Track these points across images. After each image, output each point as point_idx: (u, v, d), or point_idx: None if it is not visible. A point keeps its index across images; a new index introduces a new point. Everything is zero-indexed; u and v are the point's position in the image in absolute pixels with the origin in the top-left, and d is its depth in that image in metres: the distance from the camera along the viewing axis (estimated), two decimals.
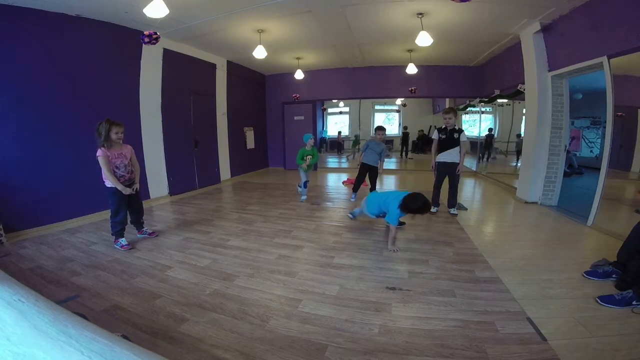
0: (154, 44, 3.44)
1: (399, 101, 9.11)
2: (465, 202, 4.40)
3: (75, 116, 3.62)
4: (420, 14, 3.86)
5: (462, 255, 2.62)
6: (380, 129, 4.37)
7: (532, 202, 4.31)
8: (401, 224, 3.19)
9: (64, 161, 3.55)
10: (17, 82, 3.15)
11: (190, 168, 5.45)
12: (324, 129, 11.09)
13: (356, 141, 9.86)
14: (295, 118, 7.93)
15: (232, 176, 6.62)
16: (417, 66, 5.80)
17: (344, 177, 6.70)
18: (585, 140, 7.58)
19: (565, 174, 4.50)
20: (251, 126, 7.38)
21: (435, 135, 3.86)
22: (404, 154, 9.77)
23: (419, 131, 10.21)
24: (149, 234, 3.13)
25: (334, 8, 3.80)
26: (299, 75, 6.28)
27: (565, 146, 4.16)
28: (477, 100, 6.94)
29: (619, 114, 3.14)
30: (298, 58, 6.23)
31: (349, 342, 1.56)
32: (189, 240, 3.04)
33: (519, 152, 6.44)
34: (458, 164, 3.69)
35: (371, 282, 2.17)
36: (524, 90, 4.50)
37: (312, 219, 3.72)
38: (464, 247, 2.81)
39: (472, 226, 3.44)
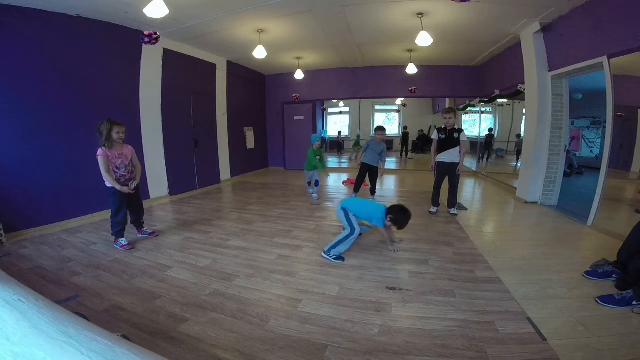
0: (154, 44, 3.45)
1: (399, 101, 9.11)
2: (465, 202, 4.40)
3: (75, 116, 3.62)
4: (420, 14, 3.86)
5: (462, 255, 2.62)
6: (380, 129, 4.37)
7: (532, 202, 4.31)
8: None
9: (64, 161, 3.55)
10: (17, 82, 3.15)
11: (190, 168, 5.45)
12: (324, 129, 11.09)
13: (357, 142, 9.86)
14: (295, 118, 7.93)
15: (232, 176, 6.62)
16: (417, 66, 5.80)
17: (344, 177, 6.70)
18: (585, 140, 7.58)
19: (565, 174, 4.50)
20: (251, 126, 7.38)
21: (435, 135, 3.85)
22: (404, 154, 9.77)
23: (419, 131, 10.21)
24: (149, 234, 3.13)
25: (334, 8, 3.80)
26: (299, 75, 6.28)
27: (565, 146, 4.16)
28: (477, 100, 6.94)
29: (619, 114, 3.14)
30: (298, 58, 6.23)
31: (349, 342, 1.56)
32: (189, 240, 3.04)
33: (519, 152, 6.44)
34: (458, 164, 3.68)
35: (371, 282, 2.17)
36: (524, 90, 4.50)
37: (312, 219, 3.72)
38: (464, 247, 2.81)
39: (472, 226, 3.44)
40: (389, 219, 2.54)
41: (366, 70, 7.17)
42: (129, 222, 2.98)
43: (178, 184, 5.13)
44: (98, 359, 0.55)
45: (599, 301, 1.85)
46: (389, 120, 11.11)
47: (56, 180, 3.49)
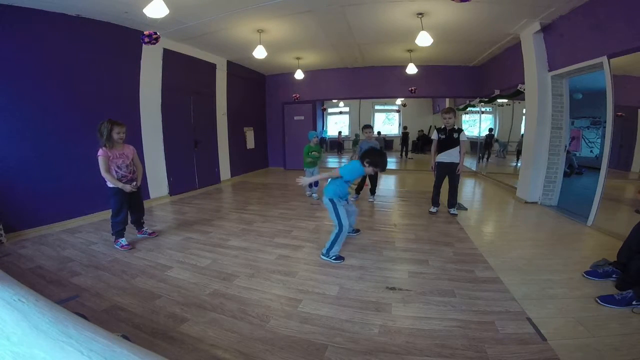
0: (154, 44, 3.45)
1: (399, 101, 9.12)
2: (465, 202, 4.40)
3: (75, 116, 3.62)
4: (420, 14, 3.86)
5: (462, 255, 2.62)
6: (367, 127, 4.39)
7: (532, 202, 4.31)
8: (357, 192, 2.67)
9: (64, 161, 3.55)
10: (17, 82, 3.15)
11: (190, 168, 5.45)
12: (324, 129, 11.10)
13: (356, 141, 9.87)
14: (295, 118, 7.93)
15: (232, 176, 6.62)
16: (417, 66, 5.80)
17: None
18: (585, 140, 7.58)
19: (565, 174, 4.50)
20: (251, 126, 7.38)
21: (434, 135, 3.85)
22: (404, 154, 9.77)
23: (418, 131, 10.21)
24: (149, 234, 3.13)
25: (334, 8, 3.80)
26: (299, 75, 6.28)
27: (565, 146, 4.16)
28: (477, 100, 6.93)
29: (619, 114, 3.14)
30: (298, 58, 6.23)
31: (349, 342, 1.56)
32: (189, 240, 3.04)
33: (519, 152, 6.44)
34: (458, 164, 3.68)
35: (371, 282, 2.17)
36: (524, 90, 4.50)
37: (312, 219, 3.72)
38: (464, 247, 2.81)
39: (472, 226, 3.44)
40: (366, 163, 2.47)
41: (366, 70, 7.16)
42: (129, 222, 2.98)
43: (178, 184, 5.13)
44: (98, 359, 0.55)
45: (599, 301, 1.85)
46: (389, 120, 11.12)
47: (56, 180, 3.49)
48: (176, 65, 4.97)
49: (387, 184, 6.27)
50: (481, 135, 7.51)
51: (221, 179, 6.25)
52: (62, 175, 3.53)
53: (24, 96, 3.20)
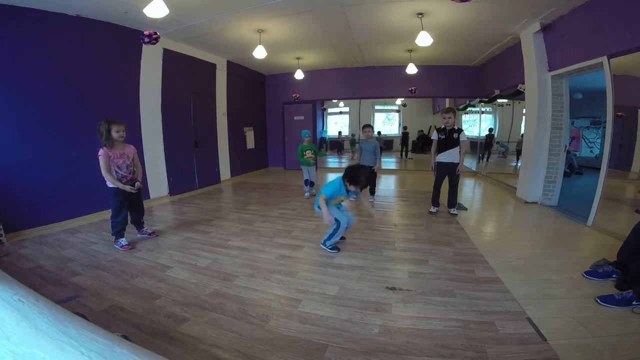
0: (154, 44, 3.44)
1: (399, 101, 9.11)
2: (465, 202, 4.40)
3: (75, 116, 3.62)
4: (420, 14, 3.86)
5: (462, 255, 2.62)
6: (367, 126, 4.40)
7: (532, 202, 4.31)
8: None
9: (64, 161, 3.55)
10: (17, 82, 3.15)
11: (190, 168, 5.45)
12: (324, 129, 11.10)
13: (353, 141, 9.88)
14: (295, 118, 7.93)
15: (232, 176, 6.62)
16: (417, 66, 5.80)
17: None
18: (585, 140, 7.58)
19: (565, 174, 4.50)
20: (251, 126, 7.38)
21: (434, 135, 3.85)
22: (403, 154, 9.77)
23: (418, 131, 10.21)
24: (149, 234, 3.13)
25: (334, 8, 3.80)
26: (299, 75, 6.28)
27: (565, 146, 4.16)
28: (477, 100, 6.94)
29: (619, 114, 3.14)
30: (298, 58, 6.23)
31: (349, 342, 1.56)
32: (189, 240, 3.04)
33: (519, 152, 6.44)
34: (458, 164, 3.68)
35: (371, 282, 2.17)
36: (524, 90, 4.50)
37: (312, 219, 3.71)
38: (464, 247, 2.81)
39: (472, 226, 3.44)
40: (347, 182, 2.50)
41: (366, 70, 7.16)
42: (129, 222, 2.98)
43: (178, 184, 5.13)
44: (98, 359, 0.55)
45: (599, 301, 1.85)
46: (389, 120, 11.12)
47: (56, 180, 3.48)
48: (176, 65, 4.97)
49: (387, 184, 6.27)
50: (481, 135, 7.51)
51: (221, 179, 6.25)
52: (62, 175, 3.53)
53: (24, 96, 3.20)
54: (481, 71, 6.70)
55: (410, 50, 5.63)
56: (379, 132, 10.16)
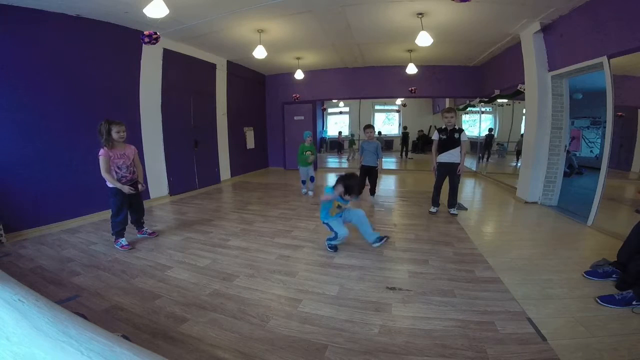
0: (154, 44, 3.44)
1: (399, 101, 9.11)
2: (465, 202, 4.40)
3: (76, 116, 3.62)
4: (420, 14, 3.86)
5: (462, 255, 2.62)
6: (368, 127, 4.39)
7: (532, 202, 4.31)
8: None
9: (64, 161, 3.55)
10: (17, 83, 3.15)
11: (190, 168, 5.45)
12: (324, 129, 11.10)
13: (352, 141, 9.87)
14: (295, 118, 7.93)
15: (232, 176, 6.62)
16: (417, 66, 5.80)
17: None
18: (585, 140, 7.58)
19: (565, 174, 4.50)
20: (251, 126, 7.38)
21: (435, 135, 3.84)
22: (404, 154, 9.77)
23: (418, 131, 10.21)
24: (149, 234, 3.13)
25: (334, 8, 3.80)
26: (299, 75, 6.28)
27: (565, 146, 4.16)
28: (477, 100, 6.94)
29: (619, 114, 3.14)
30: (298, 58, 6.22)
31: (349, 342, 1.55)
32: (189, 240, 3.04)
33: (519, 152, 6.44)
34: (458, 164, 3.67)
35: (371, 282, 2.17)
36: (524, 90, 4.50)
37: (312, 219, 3.71)
38: (464, 247, 2.81)
39: (472, 226, 3.44)
40: (341, 191, 2.58)
41: (366, 70, 7.16)
42: (129, 222, 2.98)
43: (178, 184, 5.13)
44: (98, 359, 0.55)
45: (599, 301, 1.85)
46: (389, 120, 11.12)
47: (56, 180, 3.49)
48: (176, 65, 4.97)
49: (387, 184, 6.27)
50: (481, 135, 7.51)
51: (221, 179, 6.25)
52: (62, 175, 3.53)
53: (24, 96, 3.20)
54: (481, 71, 6.70)
55: (410, 50, 5.63)
56: (379, 132, 10.16)
